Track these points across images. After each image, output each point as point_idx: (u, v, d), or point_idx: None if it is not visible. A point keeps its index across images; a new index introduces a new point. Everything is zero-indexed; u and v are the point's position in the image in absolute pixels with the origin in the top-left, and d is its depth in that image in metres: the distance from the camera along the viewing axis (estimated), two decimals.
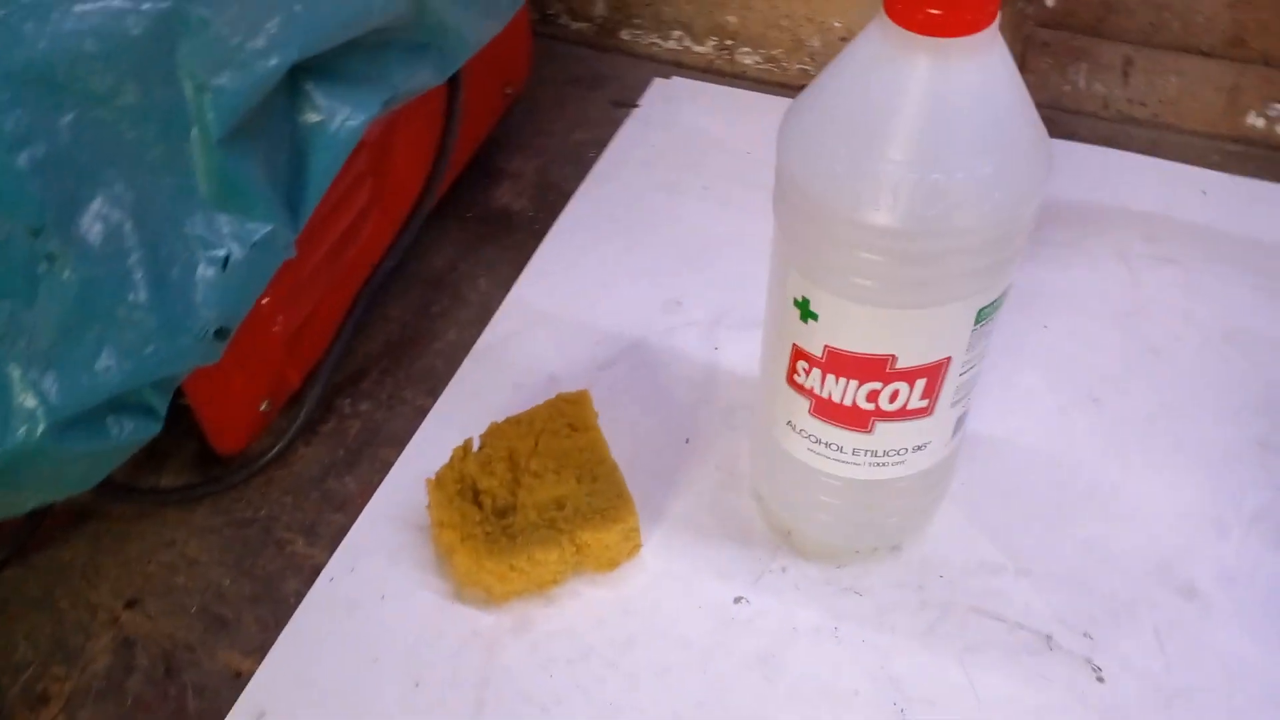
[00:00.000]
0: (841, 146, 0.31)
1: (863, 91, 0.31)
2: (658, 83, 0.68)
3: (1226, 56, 0.58)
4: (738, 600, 0.43)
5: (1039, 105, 0.59)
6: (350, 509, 0.47)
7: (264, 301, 0.45)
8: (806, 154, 0.32)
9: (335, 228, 0.49)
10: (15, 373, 0.34)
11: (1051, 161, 0.33)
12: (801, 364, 0.37)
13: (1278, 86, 0.58)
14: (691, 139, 0.64)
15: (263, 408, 0.49)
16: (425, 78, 0.45)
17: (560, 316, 0.54)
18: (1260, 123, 0.59)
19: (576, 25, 0.72)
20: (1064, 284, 0.54)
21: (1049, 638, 0.41)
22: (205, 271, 0.37)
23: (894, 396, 0.36)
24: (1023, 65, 0.61)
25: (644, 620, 0.43)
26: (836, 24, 0.65)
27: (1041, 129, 0.32)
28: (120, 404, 0.37)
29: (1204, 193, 0.58)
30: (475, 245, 0.59)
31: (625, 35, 0.71)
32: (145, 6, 0.35)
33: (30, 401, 0.35)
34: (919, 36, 0.29)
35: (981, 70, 0.30)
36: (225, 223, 0.38)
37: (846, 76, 0.32)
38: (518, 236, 0.59)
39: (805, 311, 0.35)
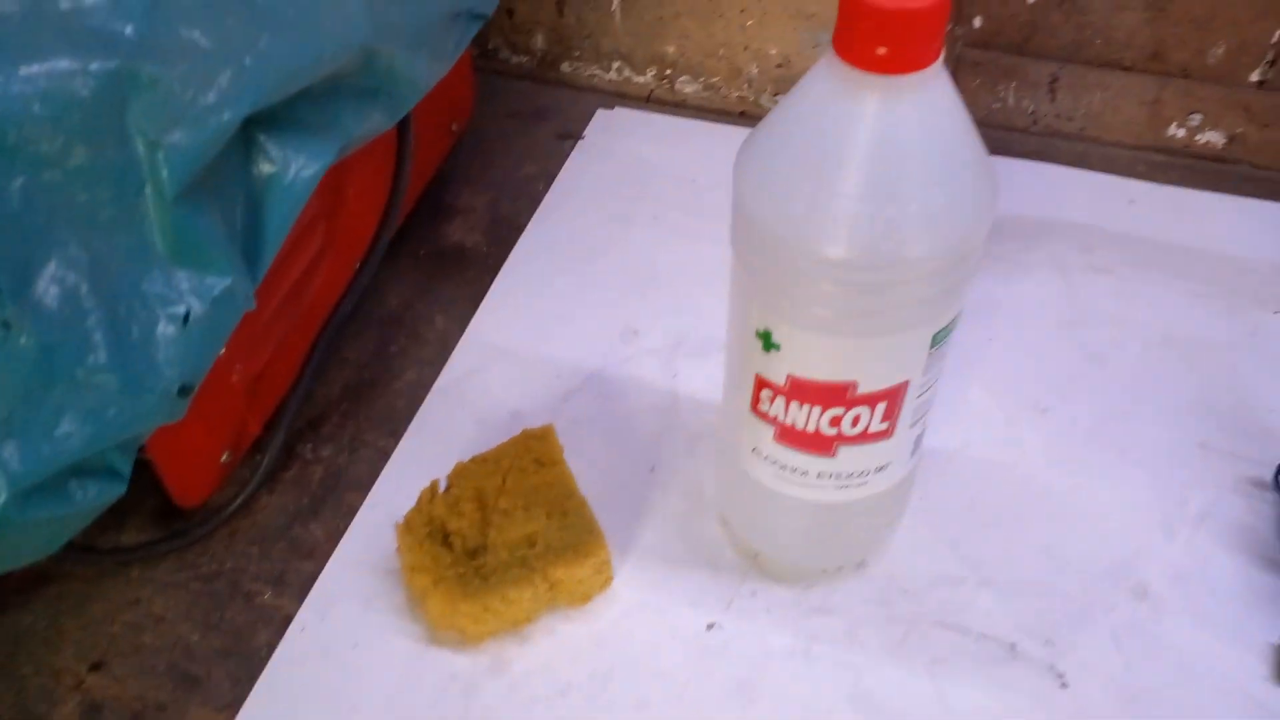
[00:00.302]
0: (797, 183, 0.32)
1: (815, 128, 0.32)
2: (601, 113, 0.68)
3: (1147, 71, 0.60)
4: (710, 627, 0.44)
5: None
6: (318, 556, 0.47)
7: (221, 352, 0.44)
8: (763, 191, 0.33)
9: (290, 273, 0.49)
10: None
11: (998, 188, 0.34)
12: (765, 393, 0.38)
13: (1196, 98, 0.60)
14: (637, 168, 0.64)
15: (224, 458, 0.48)
16: (377, 122, 0.45)
17: (519, 350, 0.55)
18: (1181, 133, 0.62)
19: (517, 59, 0.73)
20: (1006, 297, 0.56)
21: (1013, 646, 0.43)
22: (165, 329, 0.37)
23: (856, 421, 0.37)
24: (953, 84, 0.63)
25: (619, 653, 0.43)
26: (773, 51, 0.67)
27: (987, 157, 0.34)
28: (83, 468, 0.37)
29: (1132, 202, 0.60)
30: (430, 283, 0.59)
31: (566, 67, 0.72)
32: (93, 67, 0.34)
33: None
34: (868, 74, 0.30)
35: (929, 105, 0.31)
36: (184, 279, 0.38)
37: (798, 113, 0.33)
38: (472, 272, 0.59)
39: (768, 343, 0.36)
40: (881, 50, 0.29)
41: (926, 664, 0.42)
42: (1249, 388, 0.51)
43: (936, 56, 0.30)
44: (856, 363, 0.35)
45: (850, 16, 0.29)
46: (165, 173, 0.36)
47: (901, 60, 0.29)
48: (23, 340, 0.34)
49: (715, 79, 0.69)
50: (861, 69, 0.30)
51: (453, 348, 0.55)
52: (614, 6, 0.68)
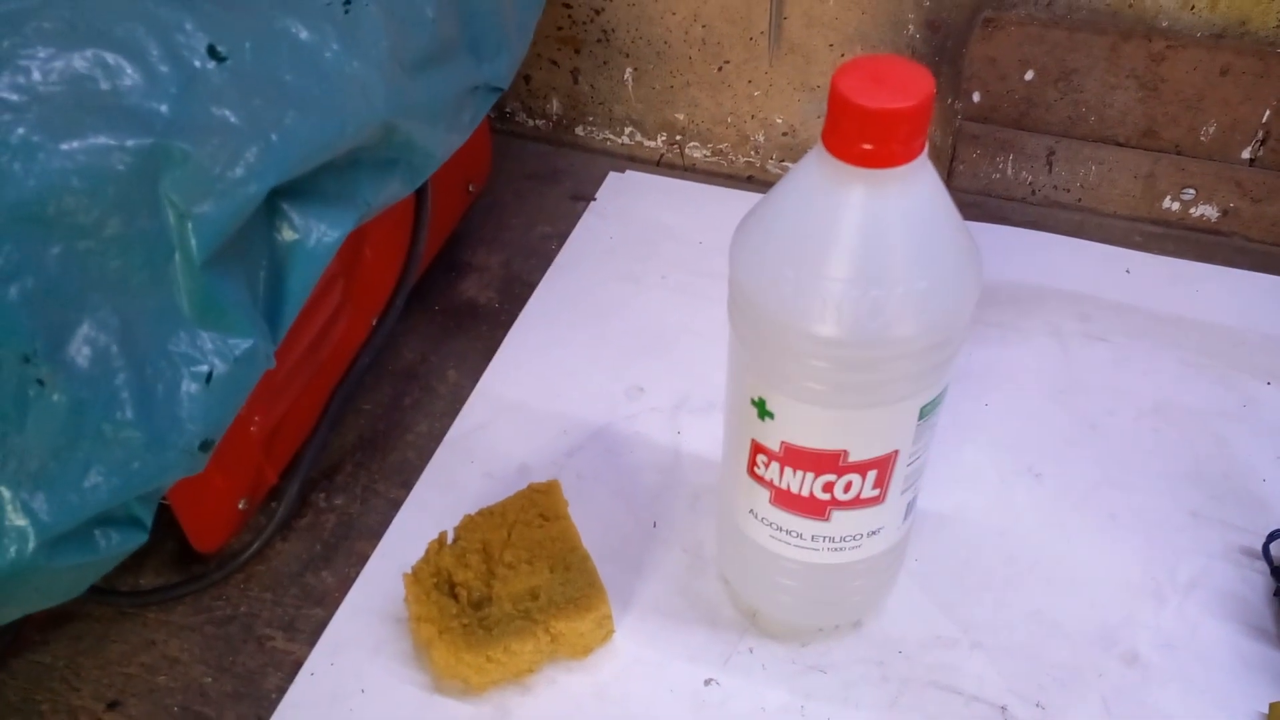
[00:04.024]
0: (789, 266, 0.34)
1: (806, 215, 0.34)
2: (613, 176, 0.71)
3: (1140, 146, 0.62)
4: (708, 682, 0.45)
5: (971, 192, 0.63)
6: (329, 603, 0.49)
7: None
8: (757, 272, 0.35)
9: (309, 330, 0.51)
10: (6, 494, 0.36)
11: (982, 272, 0.36)
12: (761, 457, 0.39)
13: (1189, 173, 0.62)
14: (647, 230, 0.66)
15: (241, 506, 0.50)
16: (395, 190, 0.47)
17: (528, 405, 0.56)
18: (1175, 206, 0.63)
19: (533, 122, 0.76)
20: (1002, 362, 0.57)
21: (1004, 709, 0.44)
22: (189, 387, 0.39)
23: (848, 487, 0.39)
24: (954, 156, 0.65)
25: (619, 706, 0.44)
26: (779, 120, 0.69)
27: (971, 242, 0.35)
28: (107, 517, 0.39)
29: (1128, 271, 0.62)
30: (444, 337, 0.61)
31: (580, 131, 0.75)
32: (130, 143, 0.36)
33: (20, 521, 0.36)
34: (854, 167, 0.32)
35: (913, 195, 0.33)
36: (208, 340, 0.40)
37: (791, 200, 0.35)
38: (484, 328, 0.61)
39: (762, 410, 0.38)
40: (866, 146, 0.31)
41: None
42: (1240, 458, 0.52)
43: (919, 151, 0.32)
44: (847, 433, 0.37)
45: (838, 114, 0.31)
46: (194, 241, 0.38)
47: (886, 156, 0.31)
48: (55, 397, 0.36)
49: (723, 145, 0.71)
50: (848, 163, 0.32)
51: (464, 401, 0.57)
52: (626, 75, 0.70)
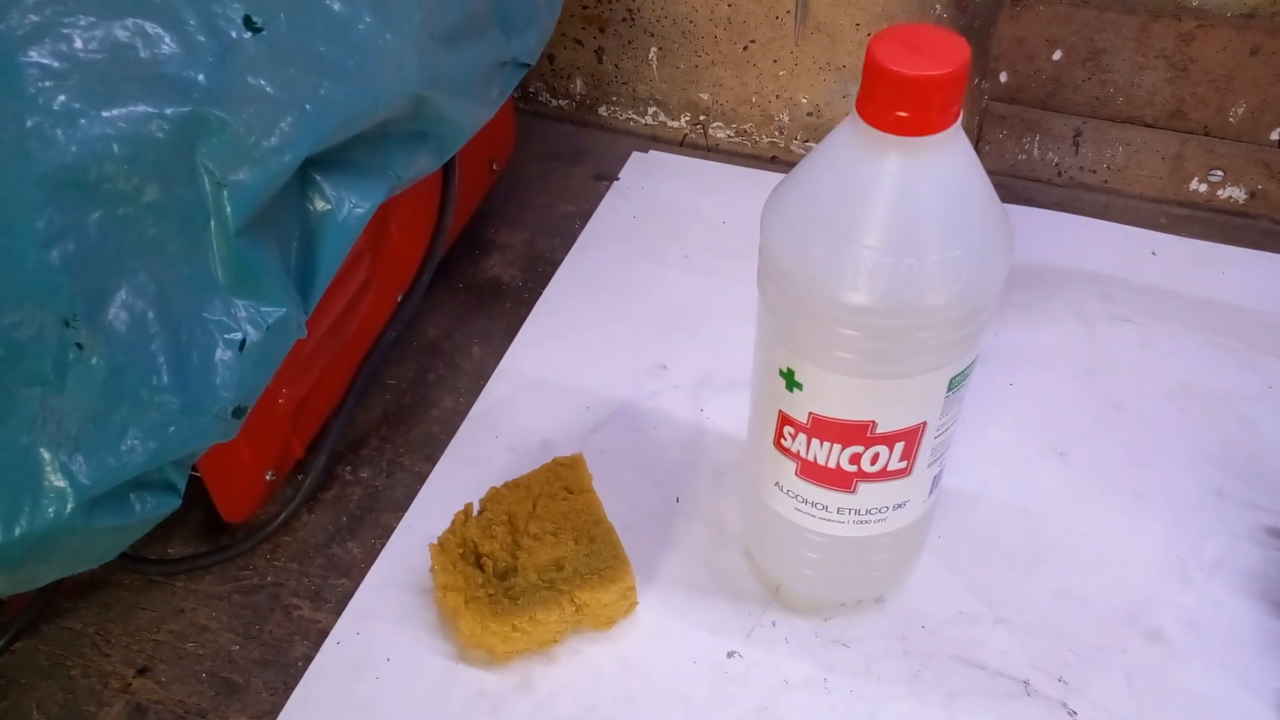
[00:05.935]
0: (822, 234, 0.34)
1: (839, 183, 0.34)
2: (636, 156, 0.71)
3: (1168, 128, 0.62)
4: (731, 655, 0.45)
5: (997, 173, 0.63)
6: (354, 574, 0.49)
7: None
8: (789, 241, 0.35)
9: (336, 304, 0.52)
10: (46, 455, 0.36)
11: (1013, 242, 0.36)
12: (788, 429, 0.40)
13: (1217, 155, 0.62)
14: (670, 209, 0.67)
15: (268, 477, 0.51)
16: (424, 164, 0.47)
17: (551, 382, 0.57)
18: (1203, 188, 0.63)
19: (557, 102, 0.76)
20: (1028, 343, 0.57)
21: (1026, 683, 0.44)
22: (223, 354, 0.40)
23: (875, 459, 0.39)
24: (980, 136, 0.65)
25: (642, 676, 0.44)
26: (803, 100, 0.69)
27: (1003, 213, 0.35)
28: (142, 481, 0.39)
29: (1154, 253, 0.62)
30: (468, 314, 0.61)
31: (603, 111, 0.75)
32: (168, 111, 0.37)
33: (60, 482, 0.36)
34: (889, 135, 0.32)
35: (947, 164, 0.33)
36: (242, 308, 0.40)
37: (823, 169, 0.35)
38: (508, 305, 0.62)
39: (790, 381, 0.38)
40: (902, 114, 0.31)
41: (941, 698, 0.43)
42: (1266, 438, 0.52)
43: (954, 120, 0.32)
44: (875, 403, 0.37)
45: (873, 82, 0.31)
46: (229, 209, 0.38)
47: (920, 124, 0.31)
48: (94, 361, 0.37)
49: (747, 125, 0.71)
50: (883, 130, 0.32)
51: (488, 377, 0.57)
52: (651, 55, 0.70)
